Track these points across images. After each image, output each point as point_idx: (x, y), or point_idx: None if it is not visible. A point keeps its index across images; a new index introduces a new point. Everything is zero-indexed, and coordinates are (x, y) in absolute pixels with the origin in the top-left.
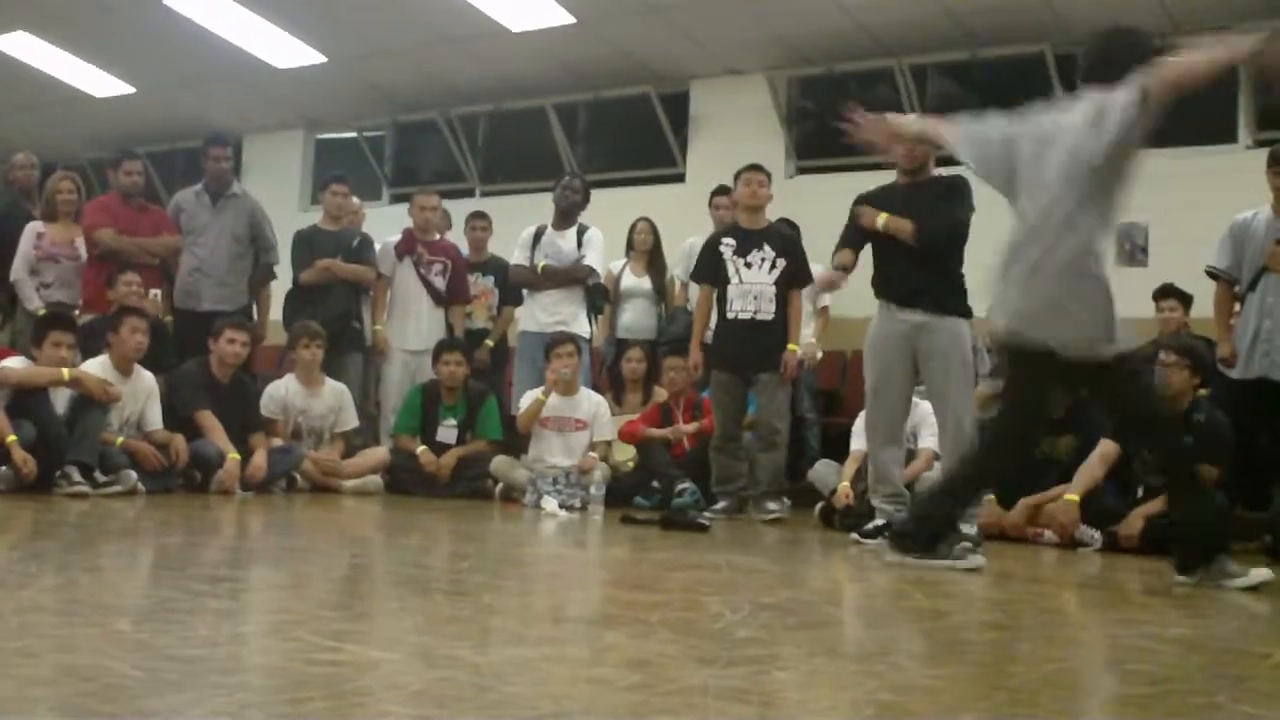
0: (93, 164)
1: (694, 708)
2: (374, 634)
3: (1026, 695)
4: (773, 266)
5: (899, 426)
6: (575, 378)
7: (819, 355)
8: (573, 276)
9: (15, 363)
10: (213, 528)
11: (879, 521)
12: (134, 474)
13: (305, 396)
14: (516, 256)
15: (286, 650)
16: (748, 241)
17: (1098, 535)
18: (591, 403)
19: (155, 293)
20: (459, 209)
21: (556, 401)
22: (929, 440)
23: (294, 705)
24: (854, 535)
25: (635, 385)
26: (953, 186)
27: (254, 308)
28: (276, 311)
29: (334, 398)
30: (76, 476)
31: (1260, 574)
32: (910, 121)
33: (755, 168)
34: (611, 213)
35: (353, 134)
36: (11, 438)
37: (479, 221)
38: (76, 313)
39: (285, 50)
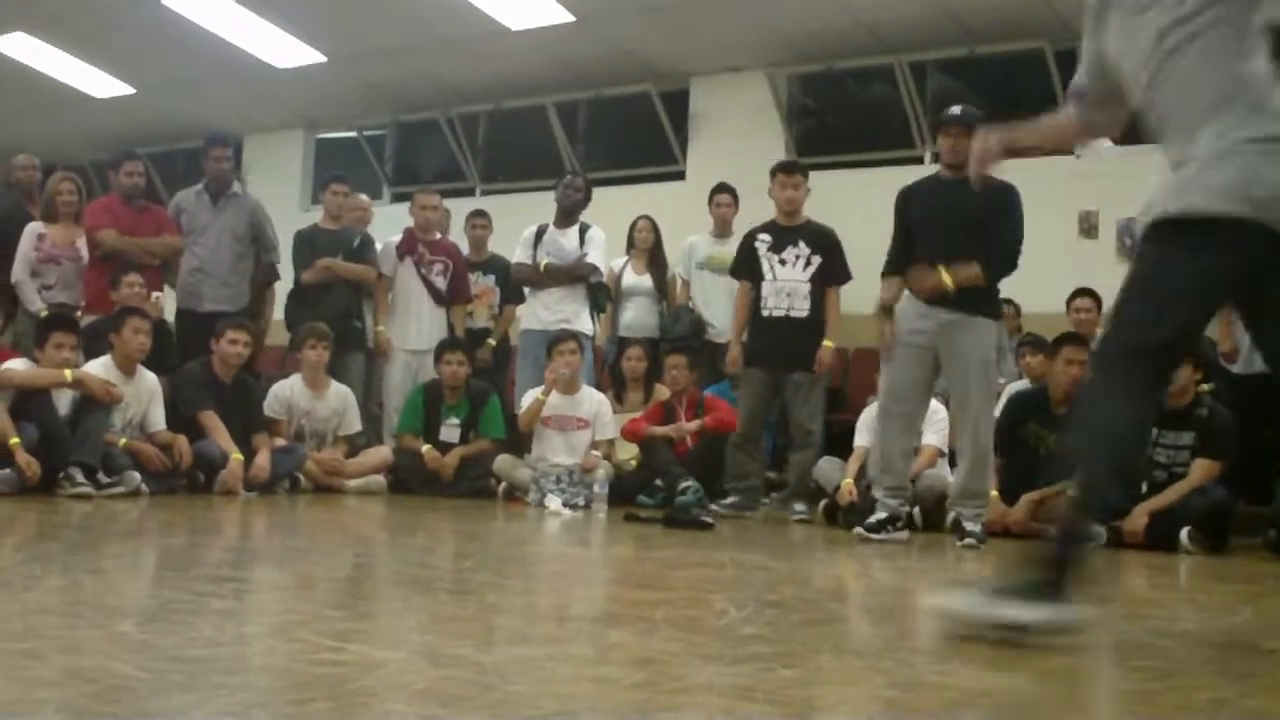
0: (93, 165)
1: (699, 705)
2: (378, 634)
3: (1032, 691)
4: (808, 264)
5: (915, 419)
6: (577, 376)
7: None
8: (575, 274)
9: (18, 364)
10: (216, 528)
11: (880, 515)
12: (137, 475)
13: (310, 398)
14: (519, 255)
15: (290, 650)
16: (783, 238)
17: (1102, 531)
18: (593, 401)
19: (158, 295)
20: (460, 208)
21: (558, 400)
22: (933, 437)
23: (298, 705)
24: (858, 530)
25: (636, 384)
26: (1004, 199)
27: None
28: (278, 311)
29: (338, 401)
30: (80, 478)
31: None
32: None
33: (790, 168)
34: (612, 211)
35: (353, 133)
36: (15, 440)
37: (479, 220)
38: (79, 314)
39: (285, 50)
